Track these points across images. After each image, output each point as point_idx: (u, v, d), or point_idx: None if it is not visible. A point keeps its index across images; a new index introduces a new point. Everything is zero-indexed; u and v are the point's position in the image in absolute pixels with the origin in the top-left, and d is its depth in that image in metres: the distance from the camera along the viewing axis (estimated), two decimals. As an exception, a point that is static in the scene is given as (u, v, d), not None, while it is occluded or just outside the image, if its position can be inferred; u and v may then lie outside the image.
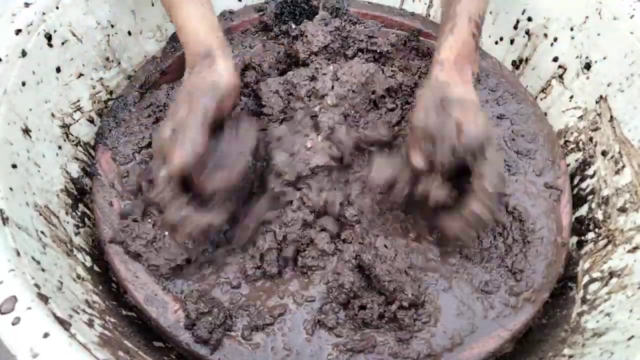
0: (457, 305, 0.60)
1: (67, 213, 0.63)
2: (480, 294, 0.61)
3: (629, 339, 0.51)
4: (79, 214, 0.66)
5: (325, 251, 0.61)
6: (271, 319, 0.58)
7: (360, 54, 0.77)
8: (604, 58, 0.70)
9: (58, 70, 0.66)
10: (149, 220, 0.62)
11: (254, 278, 0.60)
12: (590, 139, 0.72)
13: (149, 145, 0.69)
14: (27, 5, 0.62)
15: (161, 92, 0.74)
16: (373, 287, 0.58)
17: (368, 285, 0.59)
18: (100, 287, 0.61)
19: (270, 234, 0.61)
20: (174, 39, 0.78)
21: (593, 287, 0.63)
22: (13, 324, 0.43)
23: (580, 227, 0.71)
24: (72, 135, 0.69)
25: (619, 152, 0.67)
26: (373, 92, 0.69)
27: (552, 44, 0.77)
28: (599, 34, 0.70)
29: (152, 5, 0.78)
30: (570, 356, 0.56)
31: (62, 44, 0.66)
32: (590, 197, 0.71)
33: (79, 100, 0.70)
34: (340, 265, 0.61)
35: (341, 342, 0.57)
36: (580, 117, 0.74)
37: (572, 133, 0.76)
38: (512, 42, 0.83)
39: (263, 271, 0.60)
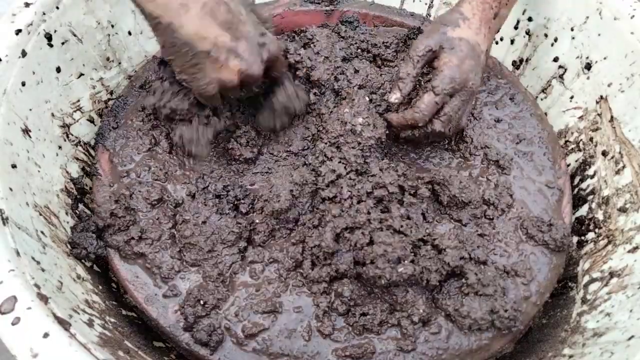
0: (471, 322, 0.57)
1: (67, 213, 0.63)
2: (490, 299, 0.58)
3: (629, 339, 0.51)
4: (78, 213, 0.66)
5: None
6: (264, 324, 0.57)
7: (360, 53, 0.77)
8: (605, 58, 0.70)
9: (58, 70, 0.66)
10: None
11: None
12: (591, 139, 0.72)
13: (153, 145, 0.69)
14: (27, 5, 0.62)
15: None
16: (376, 295, 0.58)
17: (369, 293, 0.58)
18: (100, 287, 0.61)
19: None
20: (174, 39, 0.78)
21: (593, 287, 0.63)
22: (13, 324, 0.43)
23: (580, 227, 0.71)
24: (72, 135, 0.69)
25: (620, 152, 0.67)
26: None
27: (552, 44, 0.77)
28: (599, 34, 0.70)
29: (152, 5, 0.77)
30: (570, 356, 0.56)
31: (62, 44, 0.66)
32: (590, 197, 0.71)
33: (79, 100, 0.70)
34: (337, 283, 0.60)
35: (340, 347, 0.56)
36: (581, 117, 0.74)
37: (572, 133, 0.75)
38: (512, 42, 0.83)
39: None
